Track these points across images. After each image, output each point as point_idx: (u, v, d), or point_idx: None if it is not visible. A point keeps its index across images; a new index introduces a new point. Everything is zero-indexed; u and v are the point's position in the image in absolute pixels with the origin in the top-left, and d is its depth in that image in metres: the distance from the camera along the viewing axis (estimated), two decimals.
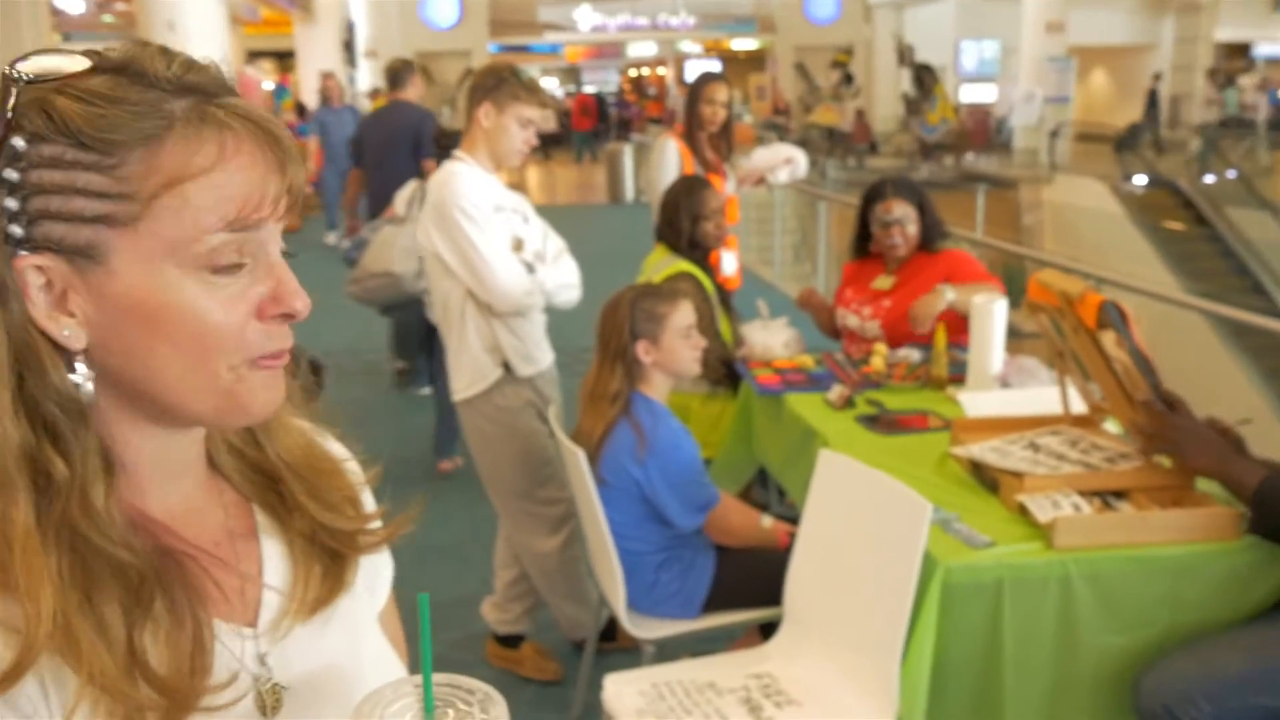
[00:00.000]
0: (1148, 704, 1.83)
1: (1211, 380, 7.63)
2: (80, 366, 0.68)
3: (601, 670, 2.37)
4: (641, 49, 29.73)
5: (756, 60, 27.50)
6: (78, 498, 0.67)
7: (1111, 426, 2.36)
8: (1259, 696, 1.81)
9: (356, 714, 0.67)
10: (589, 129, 23.77)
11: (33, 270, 0.66)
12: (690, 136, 4.15)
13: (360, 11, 19.67)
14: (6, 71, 0.66)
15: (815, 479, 2.29)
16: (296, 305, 0.71)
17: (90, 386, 0.69)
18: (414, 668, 0.82)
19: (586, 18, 25.91)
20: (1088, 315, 2.05)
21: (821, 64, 22.90)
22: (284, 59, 20.70)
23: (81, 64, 0.66)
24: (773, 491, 3.50)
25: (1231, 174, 14.37)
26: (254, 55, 20.55)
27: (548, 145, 22.28)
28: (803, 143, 14.57)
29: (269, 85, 16.68)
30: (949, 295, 2.97)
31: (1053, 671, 1.91)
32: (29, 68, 0.66)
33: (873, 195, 3.28)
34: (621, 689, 2.20)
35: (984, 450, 2.23)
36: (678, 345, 2.56)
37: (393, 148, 5.65)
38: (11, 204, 0.65)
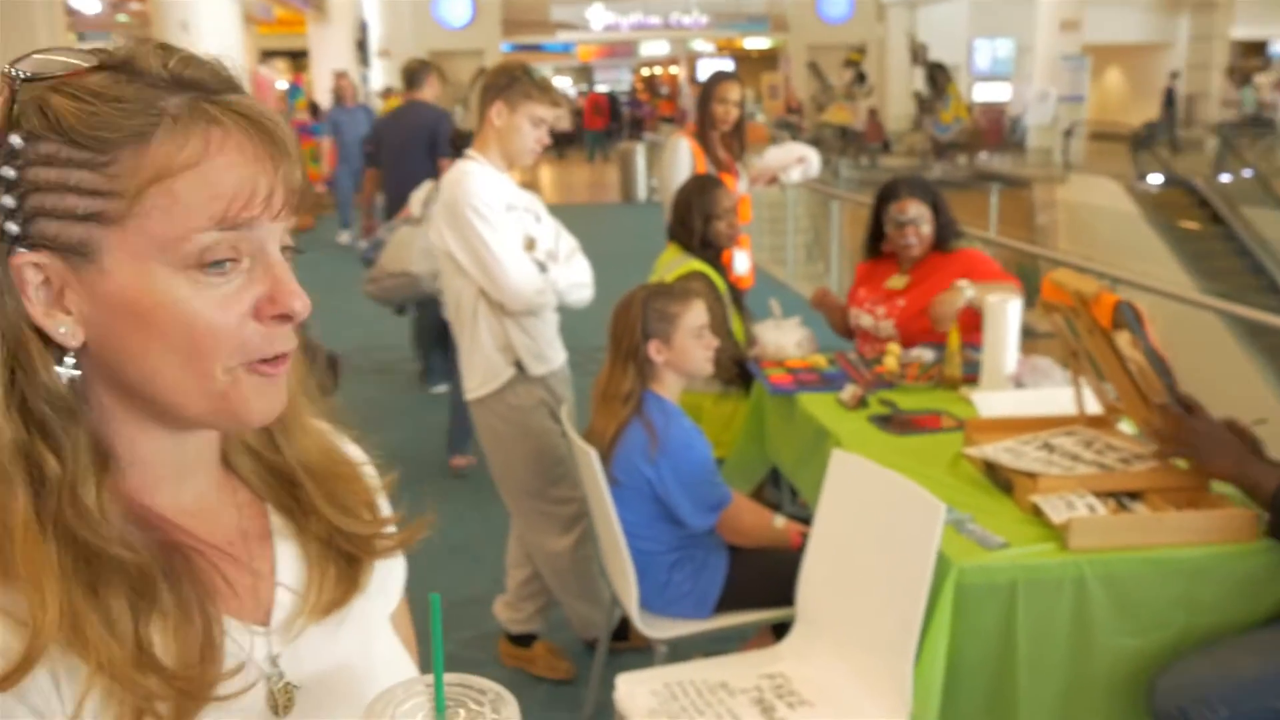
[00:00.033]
0: (1163, 706, 1.82)
1: (1227, 380, 7.58)
2: (69, 360, 0.68)
3: (614, 670, 2.37)
4: (654, 48, 29.72)
5: (769, 59, 27.47)
6: (68, 494, 0.67)
7: (1126, 427, 2.35)
8: (1275, 699, 1.80)
9: (368, 713, 0.67)
10: (601, 128, 23.78)
11: (31, 268, 0.67)
12: (703, 135, 4.15)
13: (373, 11, 19.71)
14: (7, 70, 0.67)
15: (828, 479, 2.29)
16: (294, 306, 0.70)
17: (74, 376, 0.68)
18: (425, 667, 0.82)
19: (599, 17, 25.91)
20: (1102, 315, 2.04)
21: (834, 63, 22.86)
22: (297, 58, 20.74)
23: (82, 62, 0.67)
24: (785, 491, 3.49)
25: (1247, 173, 14.29)
26: (267, 54, 20.60)
27: (560, 144, 22.32)
28: (815, 142, 14.57)
29: (282, 84, 16.71)
30: (968, 292, 2.95)
31: (1067, 673, 1.90)
32: (28, 66, 0.66)
33: (886, 195, 3.27)
34: (634, 689, 2.20)
35: (998, 451, 2.22)
36: (690, 345, 2.56)
37: (409, 148, 5.67)
38: (9, 201, 0.66)
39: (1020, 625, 1.87)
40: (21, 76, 0.66)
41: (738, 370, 3.31)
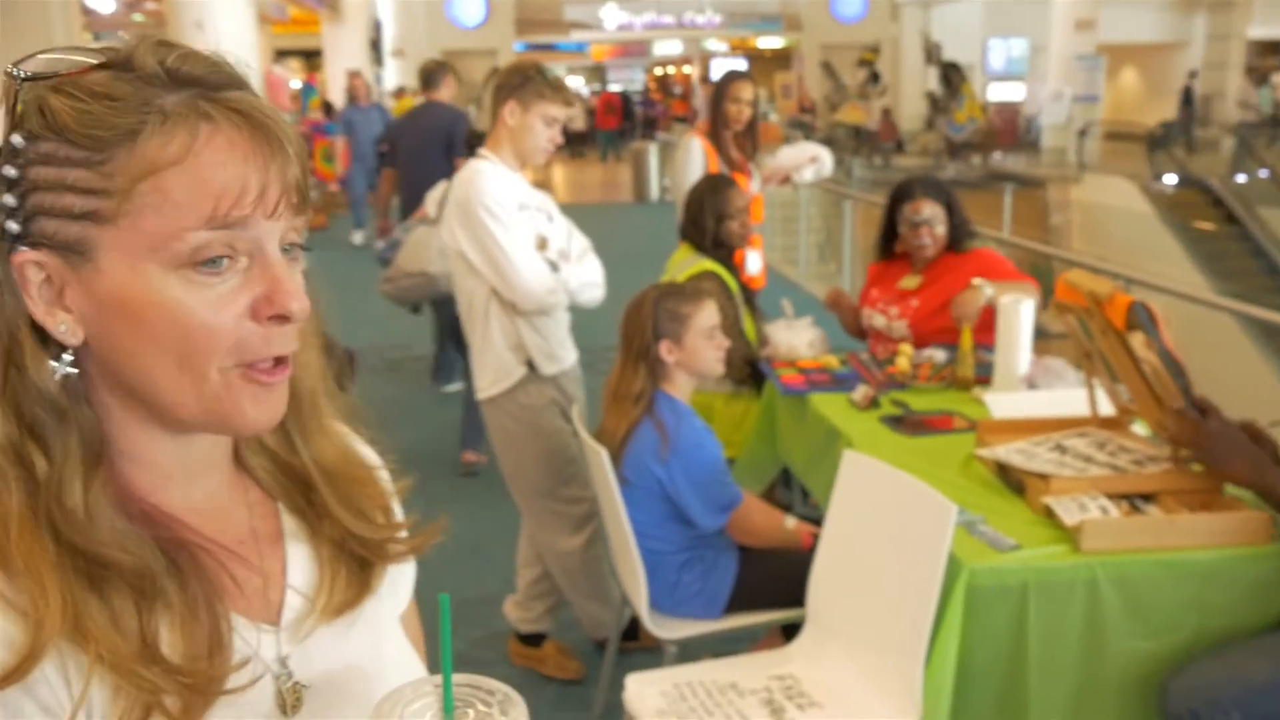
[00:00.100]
0: (1175, 709, 1.81)
1: (1242, 382, 7.54)
2: (66, 357, 0.69)
3: (623, 670, 2.37)
4: (667, 47, 29.69)
5: (782, 58, 27.42)
6: (53, 494, 0.67)
7: (1140, 429, 2.34)
8: None
9: (376, 713, 0.67)
10: (614, 127, 23.79)
11: (33, 266, 0.67)
12: (715, 135, 4.14)
13: (387, 10, 19.76)
14: (10, 70, 0.67)
15: (839, 480, 2.28)
16: (291, 306, 0.69)
17: (71, 374, 0.69)
18: (433, 667, 0.82)
19: (612, 16, 25.90)
20: (1116, 316, 2.03)
21: (848, 62, 22.79)
22: (311, 58, 20.82)
23: (83, 61, 0.67)
24: (796, 492, 3.49)
25: (1264, 173, 14.20)
26: (281, 54, 20.67)
27: (573, 144, 22.32)
28: (828, 141, 14.53)
29: (296, 84, 16.77)
30: (987, 291, 2.93)
31: (1078, 676, 1.89)
32: (30, 66, 0.67)
33: (900, 195, 3.26)
34: (643, 689, 2.19)
35: (1010, 452, 2.21)
36: (701, 345, 2.56)
37: (426, 148, 5.69)
38: (10, 200, 0.67)
39: (1031, 627, 1.86)
40: (23, 76, 0.67)
41: (749, 370, 3.31)
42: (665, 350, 2.54)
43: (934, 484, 2.02)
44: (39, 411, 0.68)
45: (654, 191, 15.14)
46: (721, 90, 4.17)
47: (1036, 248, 6.98)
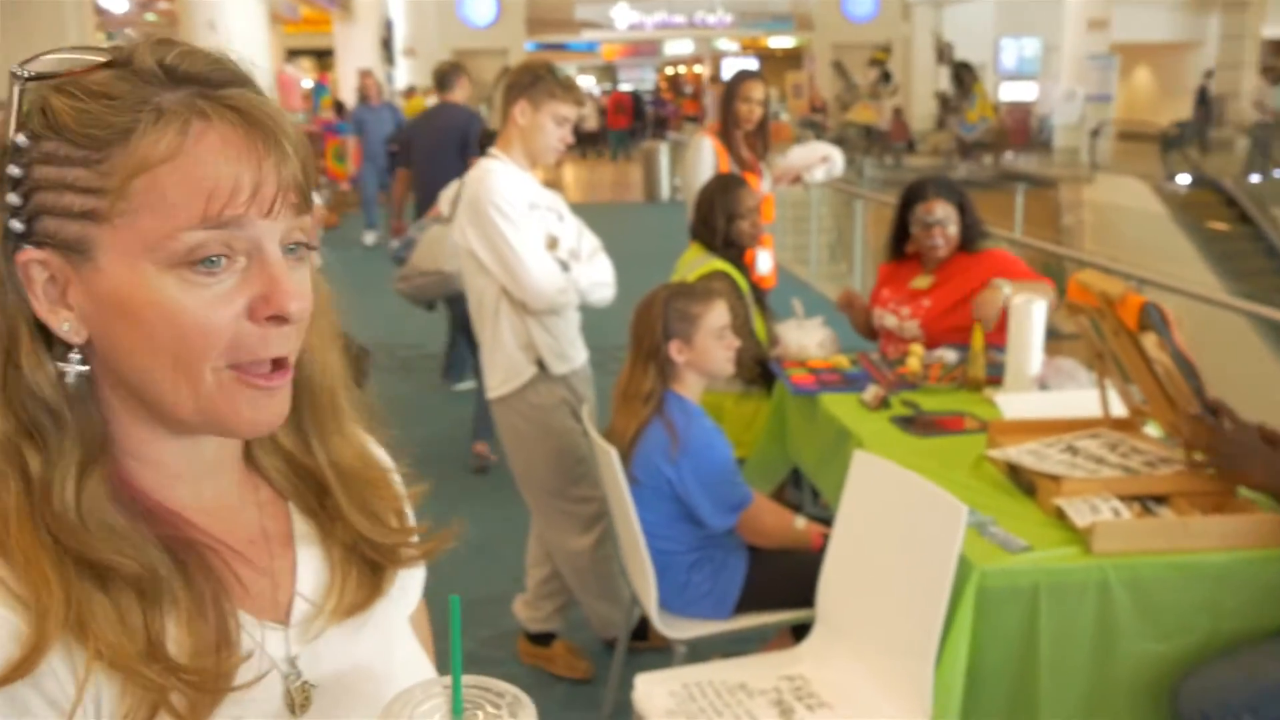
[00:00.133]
0: (1186, 712, 1.80)
1: (1255, 383, 7.50)
2: (74, 356, 0.69)
3: (633, 669, 2.37)
4: (678, 47, 29.68)
5: (794, 58, 27.38)
6: (44, 495, 0.67)
7: (1152, 430, 2.33)
8: None
9: (385, 714, 0.67)
10: (625, 127, 23.79)
11: (37, 265, 0.67)
12: (726, 134, 4.14)
13: (399, 10, 19.81)
14: (15, 70, 0.67)
15: (849, 480, 2.28)
16: (289, 307, 0.68)
17: (82, 372, 0.69)
18: (442, 667, 0.82)
19: (623, 16, 25.91)
20: (1128, 317, 2.02)
21: (859, 62, 22.76)
22: (323, 57, 20.88)
23: (85, 61, 0.67)
24: (806, 492, 3.48)
25: (1278, 173, 14.13)
26: (293, 53, 20.74)
27: (584, 143, 22.34)
28: (840, 141, 14.51)
29: (308, 83, 16.83)
30: (1007, 290, 2.91)
31: (1089, 678, 1.88)
32: (34, 66, 0.67)
33: (913, 195, 3.24)
34: (652, 689, 2.19)
35: (1021, 453, 2.20)
36: (711, 345, 2.55)
37: (441, 148, 5.70)
38: (14, 199, 0.67)
39: (1042, 629, 1.85)
40: (27, 76, 0.67)
41: (760, 370, 3.30)
42: (675, 350, 2.54)
43: (945, 485, 2.02)
44: (35, 410, 0.68)
45: (665, 191, 15.14)
46: (732, 90, 4.17)
47: (1048, 248, 6.96)
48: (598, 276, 2.86)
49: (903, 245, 3.33)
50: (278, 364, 0.71)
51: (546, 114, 2.73)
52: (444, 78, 6.11)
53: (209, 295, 0.67)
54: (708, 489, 2.46)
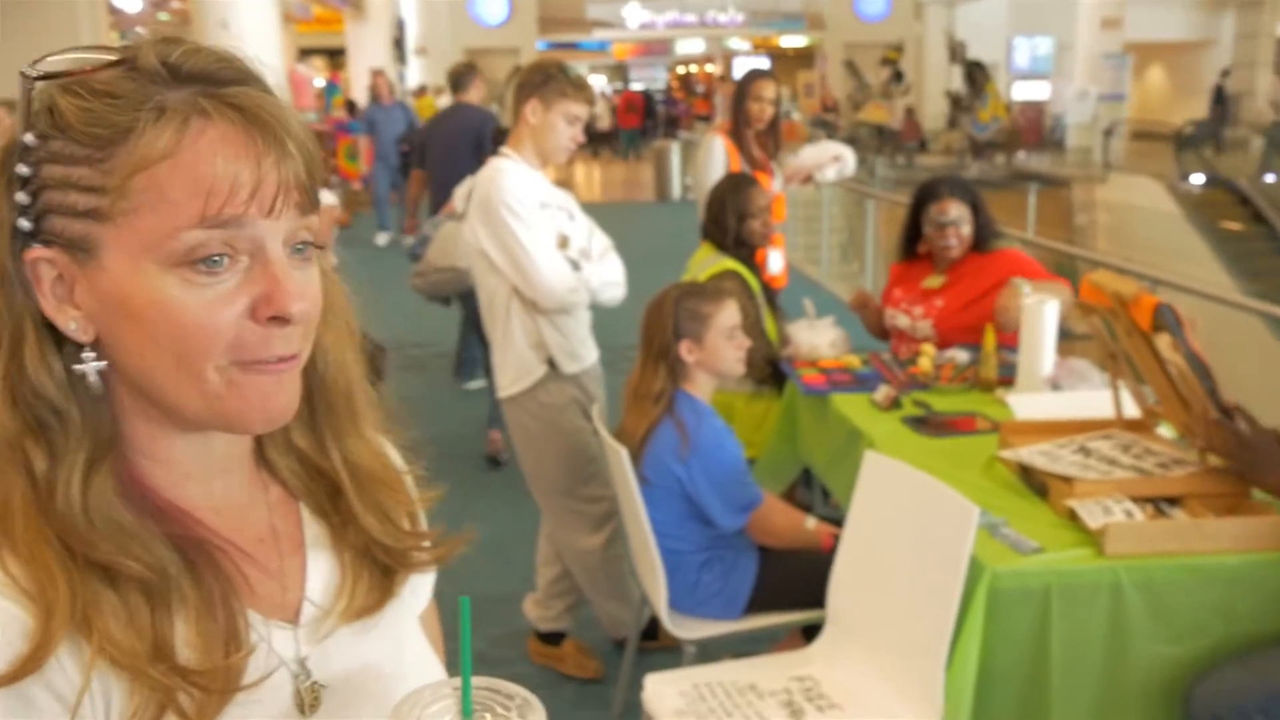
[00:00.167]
0: (1199, 716, 1.79)
1: (1270, 384, 7.46)
2: (89, 354, 0.69)
3: (643, 669, 2.37)
4: (690, 46, 29.67)
5: (805, 57, 27.34)
6: (48, 494, 0.67)
7: (1166, 431, 2.31)
8: None
9: (395, 714, 0.67)
10: (636, 126, 23.79)
11: (45, 264, 0.67)
12: (737, 134, 4.14)
13: (410, 9, 19.84)
14: (24, 70, 0.67)
15: (860, 481, 2.27)
16: (291, 308, 0.68)
17: (93, 375, 0.69)
18: (452, 667, 0.81)
19: (635, 15, 25.92)
20: (1141, 317, 2.01)
21: (871, 61, 22.72)
22: (335, 56, 20.93)
23: (92, 60, 0.67)
24: (817, 492, 3.47)
25: None
26: (305, 52, 20.79)
27: (595, 142, 22.35)
28: (851, 140, 14.49)
29: (320, 82, 16.88)
30: (1027, 290, 2.89)
31: (1101, 681, 1.88)
32: (43, 66, 0.67)
33: (926, 195, 3.23)
34: (662, 689, 2.19)
35: (1033, 454, 2.19)
36: (721, 345, 2.55)
37: (456, 149, 5.72)
38: (23, 198, 0.67)
39: (1054, 631, 1.85)
40: (35, 76, 0.67)
41: (771, 370, 3.30)
42: (686, 350, 2.53)
43: (956, 486, 2.01)
44: (39, 409, 0.68)
45: (676, 190, 15.13)
46: (744, 89, 4.16)
47: (1061, 248, 6.93)
48: (608, 276, 2.86)
49: (915, 245, 3.32)
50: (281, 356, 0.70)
51: (558, 113, 2.73)
52: (459, 79, 6.15)
53: (210, 295, 0.67)
54: (718, 489, 2.46)
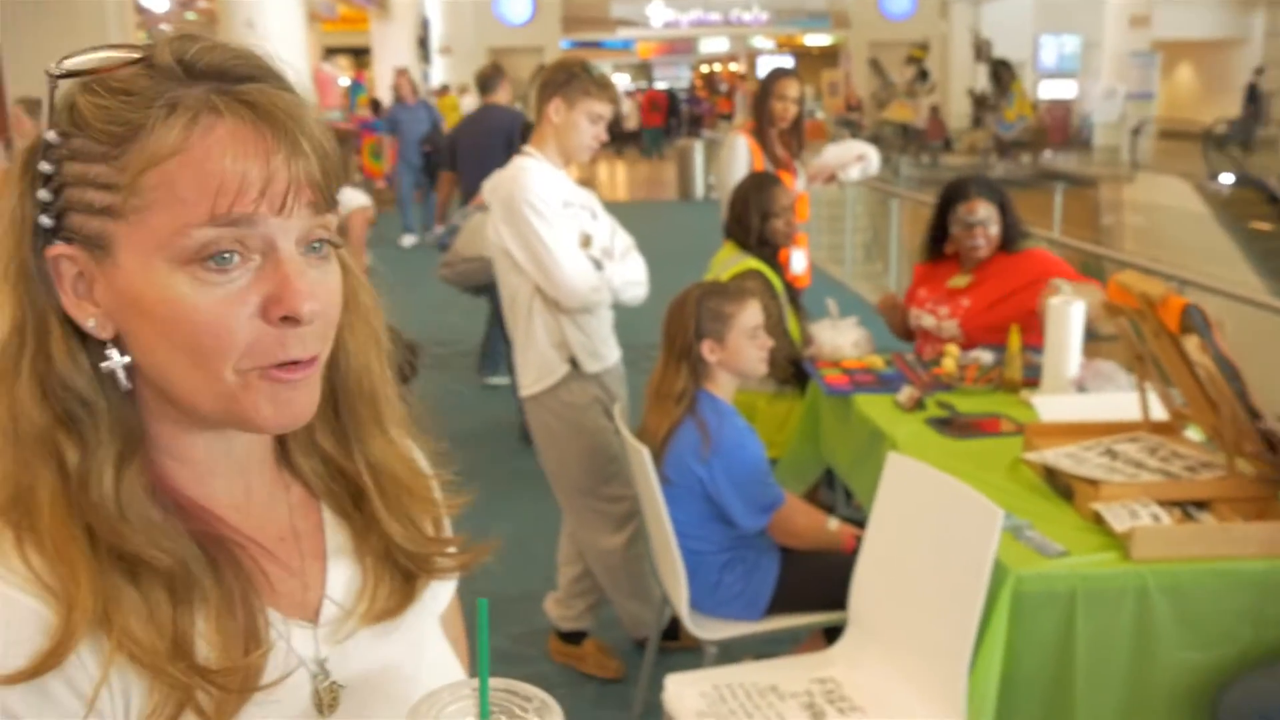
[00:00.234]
0: None
1: None
2: (113, 351, 0.69)
3: (663, 669, 2.36)
4: (714, 45, 29.64)
5: (830, 56, 27.28)
6: (81, 485, 0.67)
7: (1193, 434, 2.29)
8: None
9: (412, 715, 0.67)
10: (659, 125, 23.78)
11: (66, 261, 0.68)
12: (761, 133, 4.12)
13: (435, 8, 19.91)
14: (48, 69, 0.68)
15: (883, 482, 2.25)
16: (301, 308, 0.67)
17: (121, 373, 0.69)
18: (473, 665, 0.81)
19: (659, 13, 25.90)
20: (1169, 319, 1.99)
21: (896, 60, 22.61)
22: (360, 55, 21.03)
23: (112, 58, 0.67)
24: (839, 493, 3.46)
25: None
26: (331, 51, 20.89)
27: (618, 141, 22.36)
28: (875, 139, 14.42)
29: (345, 81, 16.96)
30: (1066, 291, 2.86)
31: (1127, 686, 1.85)
32: (65, 64, 0.67)
33: (954, 195, 3.21)
34: (682, 690, 2.19)
35: (1058, 456, 2.17)
36: (744, 345, 2.54)
37: (487, 150, 5.76)
38: (45, 195, 0.67)
39: (1079, 636, 1.83)
40: (58, 74, 0.67)
41: (793, 370, 3.28)
42: (708, 350, 2.53)
43: (980, 488, 1.99)
44: (69, 402, 0.68)
45: (699, 189, 15.11)
46: (767, 87, 4.15)
47: (1088, 248, 6.87)
48: (631, 275, 2.85)
49: (941, 245, 3.30)
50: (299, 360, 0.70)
51: (581, 112, 2.73)
52: (486, 81, 6.21)
53: (221, 294, 0.66)
54: (739, 489, 2.45)
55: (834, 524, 2.47)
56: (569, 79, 2.73)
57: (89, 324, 0.68)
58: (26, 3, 7.31)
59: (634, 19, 26.13)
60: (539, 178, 2.72)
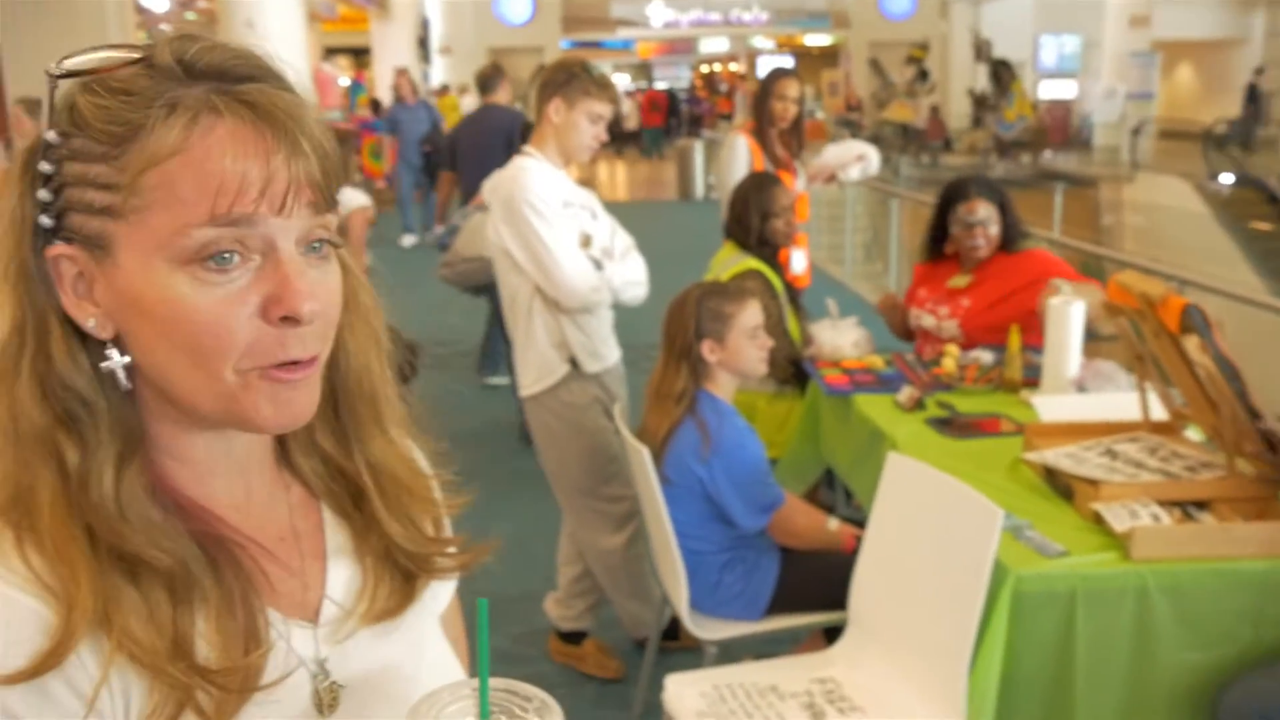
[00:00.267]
0: None
1: None
2: (113, 351, 0.69)
3: (664, 669, 2.36)
4: (714, 45, 29.64)
5: (830, 56, 27.27)
6: (81, 485, 0.67)
7: (1193, 434, 2.29)
8: None
9: (412, 715, 0.67)
10: (659, 125, 23.78)
11: (66, 261, 0.68)
12: (760, 133, 4.12)
13: (435, 8, 19.91)
14: (48, 69, 0.68)
15: (883, 482, 2.25)
16: (301, 308, 0.67)
17: (122, 373, 0.69)
18: (473, 667, 0.81)
19: (659, 13, 25.90)
20: (1169, 319, 1.99)
21: (896, 60, 22.61)
22: (360, 55, 21.04)
23: (113, 58, 0.67)
24: (839, 493, 3.46)
25: None
26: (331, 51, 20.90)
27: (618, 141, 22.36)
28: (875, 139, 14.42)
29: (345, 81, 16.97)
30: (1066, 291, 2.86)
31: (1127, 687, 1.85)
32: (65, 65, 0.67)
33: (954, 195, 3.21)
34: (682, 690, 2.19)
35: (1058, 456, 2.17)
36: (744, 345, 2.54)
37: (487, 150, 5.77)
38: (45, 195, 0.67)
39: (1079, 636, 1.83)
40: (57, 74, 0.68)
41: (793, 370, 3.28)
42: (708, 350, 2.53)
43: (980, 488, 1.99)
44: (69, 401, 0.68)
45: (699, 189, 15.11)
46: (767, 87, 4.15)
47: (1087, 248, 6.87)
48: (631, 275, 2.85)
49: (941, 245, 3.30)
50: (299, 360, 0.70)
51: (581, 112, 2.73)
52: (486, 81, 6.23)
53: (220, 294, 0.66)
54: (739, 489, 2.45)
55: (834, 524, 2.47)
56: (569, 79, 2.73)
57: (89, 324, 0.68)
58: (26, 3, 7.32)
59: (634, 19, 26.13)
60: (539, 178, 2.72)
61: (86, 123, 0.66)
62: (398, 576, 0.80)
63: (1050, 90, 20.98)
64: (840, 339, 3.25)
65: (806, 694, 2.13)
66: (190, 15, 16.10)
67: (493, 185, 2.84)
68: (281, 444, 0.80)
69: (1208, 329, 1.93)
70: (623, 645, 3.13)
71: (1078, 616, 1.83)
